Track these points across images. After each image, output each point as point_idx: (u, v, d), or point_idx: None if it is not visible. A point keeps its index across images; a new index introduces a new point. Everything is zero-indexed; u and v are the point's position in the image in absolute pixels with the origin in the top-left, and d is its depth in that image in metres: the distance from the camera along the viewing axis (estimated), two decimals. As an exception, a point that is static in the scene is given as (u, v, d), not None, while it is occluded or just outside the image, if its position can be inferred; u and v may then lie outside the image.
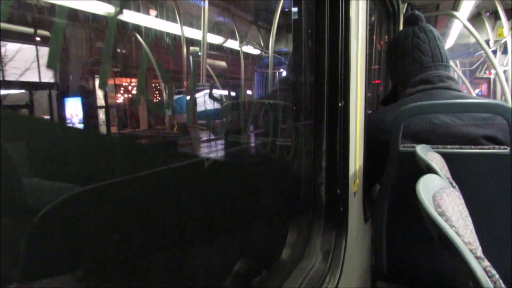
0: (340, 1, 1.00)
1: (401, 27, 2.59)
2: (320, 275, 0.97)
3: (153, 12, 0.81)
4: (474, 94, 5.08)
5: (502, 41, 4.42)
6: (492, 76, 8.04)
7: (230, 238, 0.96)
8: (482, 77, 9.06)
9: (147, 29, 0.69)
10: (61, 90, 0.56)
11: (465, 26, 2.78)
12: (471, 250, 0.43)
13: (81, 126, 0.63)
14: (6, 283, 0.42)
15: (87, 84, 0.58)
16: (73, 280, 0.52)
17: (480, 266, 0.41)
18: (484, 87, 10.01)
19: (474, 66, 8.14)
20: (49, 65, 0.39)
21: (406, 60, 1.50)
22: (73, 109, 0.60)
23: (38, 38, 0.52)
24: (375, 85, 2.92)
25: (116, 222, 0.59)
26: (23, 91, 0.58)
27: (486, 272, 0.41)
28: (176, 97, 0.72)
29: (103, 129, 0.70)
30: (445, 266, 1.24)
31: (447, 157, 1.12)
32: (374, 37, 2.67)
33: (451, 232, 0.46)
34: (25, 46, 0.55)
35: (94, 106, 0.62)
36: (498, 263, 0.75)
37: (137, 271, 0.67)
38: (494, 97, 7.01)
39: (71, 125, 0.64)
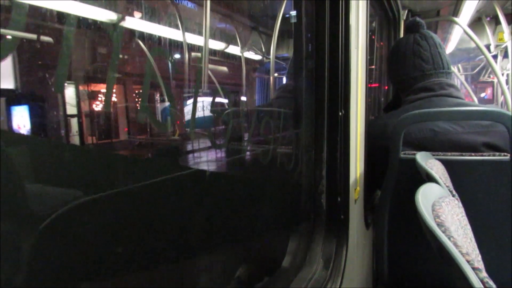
0: (340, 9, 1.01)
1: (401, 33, 2.59)
2: (321, 282, 0.98)
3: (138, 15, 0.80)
4: (476, 100, 5.06)
5: (503, 46, 4.42)
6: (495, 80, 8.05)
7: (231, 246, 0.97)
8: (486, 81, 9.05)
9: (150, 38, 0.69)
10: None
11: (465, 32, 2.78)
12: (468, 262, 0.44)
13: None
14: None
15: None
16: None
17: (477, 277, 0.41)
18: (489, 91, 10.01)
19: (476, 71, 8.16)
20: (57, 90, 0.40)
21: (407, 68, 1.50)
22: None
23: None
24: (376, 89, 2.92)
25: (114, 232, 0.60)
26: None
27: (484, 283, 0.41)
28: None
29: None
30: (445, 273, 1.24)
31: (447, 164, 1.12)
32: (375, 41, 2.68)
33: (448, 243, 0.46)
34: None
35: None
36: (498, 270, 0.75)
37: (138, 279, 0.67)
38: (496, 102, 7.00)
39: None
